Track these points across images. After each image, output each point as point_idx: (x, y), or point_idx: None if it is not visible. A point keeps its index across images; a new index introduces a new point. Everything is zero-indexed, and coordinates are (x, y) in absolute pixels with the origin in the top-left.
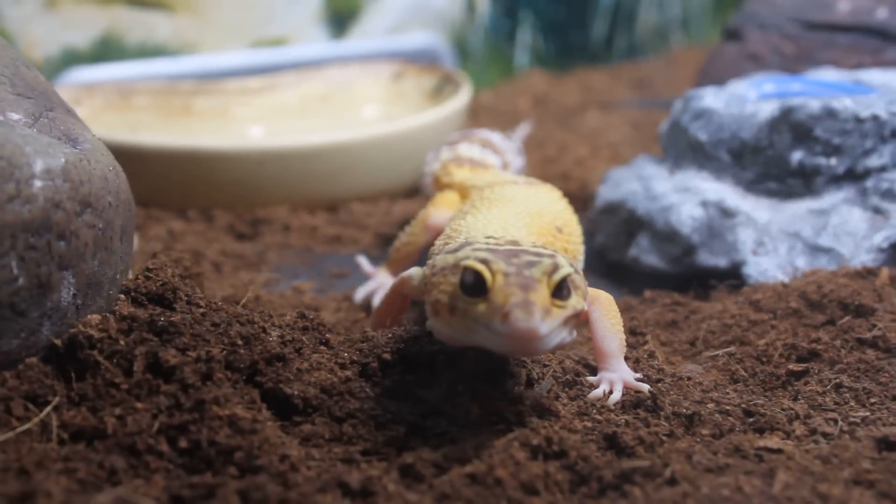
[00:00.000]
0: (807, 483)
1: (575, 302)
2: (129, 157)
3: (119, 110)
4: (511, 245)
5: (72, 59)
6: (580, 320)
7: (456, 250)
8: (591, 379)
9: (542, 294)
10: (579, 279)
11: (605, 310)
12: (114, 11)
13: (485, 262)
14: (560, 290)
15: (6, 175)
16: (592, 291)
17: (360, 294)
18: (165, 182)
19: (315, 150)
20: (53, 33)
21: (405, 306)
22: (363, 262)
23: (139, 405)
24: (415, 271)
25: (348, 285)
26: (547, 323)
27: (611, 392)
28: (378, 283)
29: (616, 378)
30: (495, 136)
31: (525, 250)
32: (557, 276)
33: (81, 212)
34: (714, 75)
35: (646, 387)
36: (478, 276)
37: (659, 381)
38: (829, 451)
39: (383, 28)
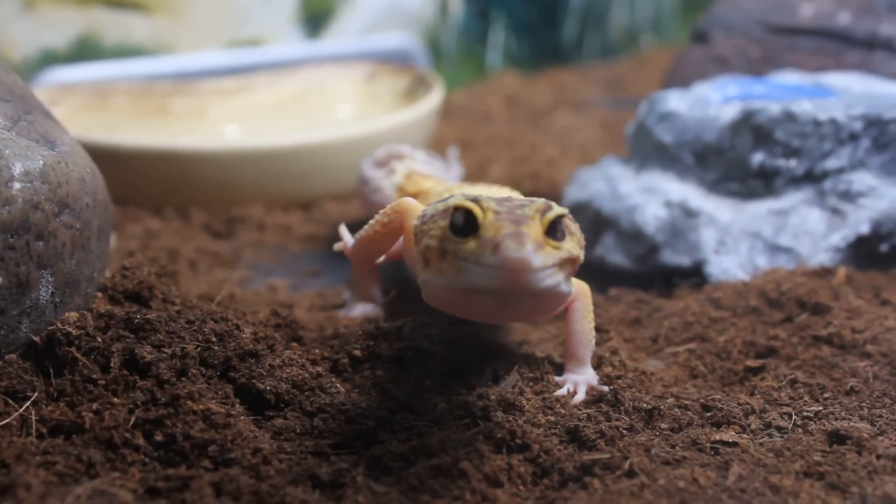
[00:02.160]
0: (759, 475)
1: (570, 247)
2: (106, 157)
3: (96, 110)
4: (504, 197)
5: (49, 59)
6: (574, 269)
7: (446, 199)
8: (556, 379)
9: (534, 228)
10: (575, 227)
11: (584, 309)
12: (91, 12)
13: (475, 200)
14: (554, 231)
15: None
16: (575, 282)
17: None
18: (142, 181)
19: (289, 151)
20: (31, 34)
21: (392, 243)
22: (345, 231)
23: (116, 400)
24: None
25: (322, 283)
26: (540, 256)
27: (574, 393)
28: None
29: (581, 380)
30: (419, 154)
31: (517, 198)
32: (551, 214)
33: (59, 213)
34: (681, 77)
35: (606, 388)
36: (468, 214)
37: (620, 377)
38: (783, 445)
39: (357, 28)
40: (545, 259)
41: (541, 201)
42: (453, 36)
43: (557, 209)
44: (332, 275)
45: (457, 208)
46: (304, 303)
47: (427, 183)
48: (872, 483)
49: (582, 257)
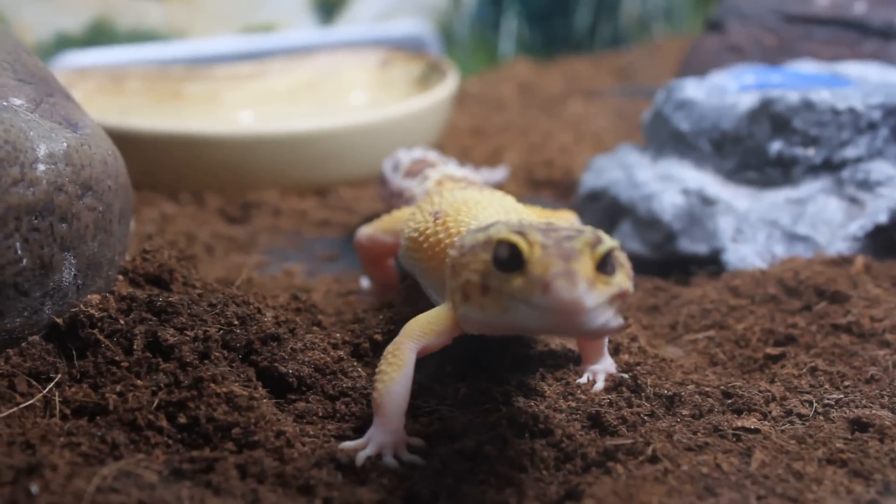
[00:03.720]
0: (782, 462)
1: (621, 280)
2: (122, 141)
3: (111, 94)
4: (547, 224)
5: (64, 43)
6: (624, 302)
7: (486, 228)
8: (575, 368)
9: (585, 264)
10: (623, 257)
11: None
12: None
13: (520, 232)
14: (605, 265)
15: (11, 159)
16: None
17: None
18: (157, 166)
19: (305, 136)
20: (45, 17)
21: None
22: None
23: (139, 382)
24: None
25: (338, 268)
26: (593, 295)
27: (594, 382)
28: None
29: (599, 369)
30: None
31: (562, 227)
32: (602, 249)
33: (83, 195)
34: (696, 66)
35: (626, 376)
36: (513, 248)
37: (639, 364)
38: (804, 432)
39: (370, 15)
40: (597, 298)
41: (589, 232)
42: (466, 23)
43: (608, 242)
44: (348, 260)
45: (500, 241)
46: (321, 287)
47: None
48: (895, 470)
49: (632, 289)
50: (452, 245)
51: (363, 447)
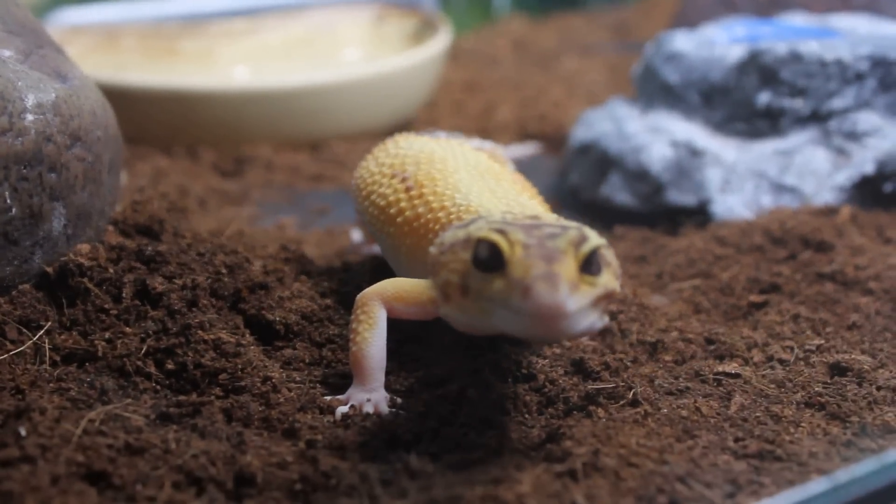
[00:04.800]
0: (761, 405)
1: (606, 280)
2: (116, 97)
3: (106, 51)
4: (530, 219)
5: (59, 0)
6: (610, 302)
7: (466, 224)
8: None
9: (568, 266)
10: (610, 254)
11: None
12: None
13: (501, 232)
14: (589, 265)
15: None
16: None
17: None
18: (151, 121)
19: (298, 91)
20: None
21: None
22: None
23: (128, 329)
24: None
25: (330, 221)
26: (575, 298)
27: None
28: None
29: None
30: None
31: (547, 223)
32: (586, 248)
33: (71, 145)
34: (689, 20)
35: (609, 321)
36: (493, 248)
37: (623, 311)
38: (784, 376)
39: None
40: (580, 301)
41: (573, 230)
42: None
43: (593, 240)
44: (340, 213)
45: (480, 241)
46: (312, 240)
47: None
48: (872, 413)
49: (619, 288)
50: (437, 223)
51: (344, 403)
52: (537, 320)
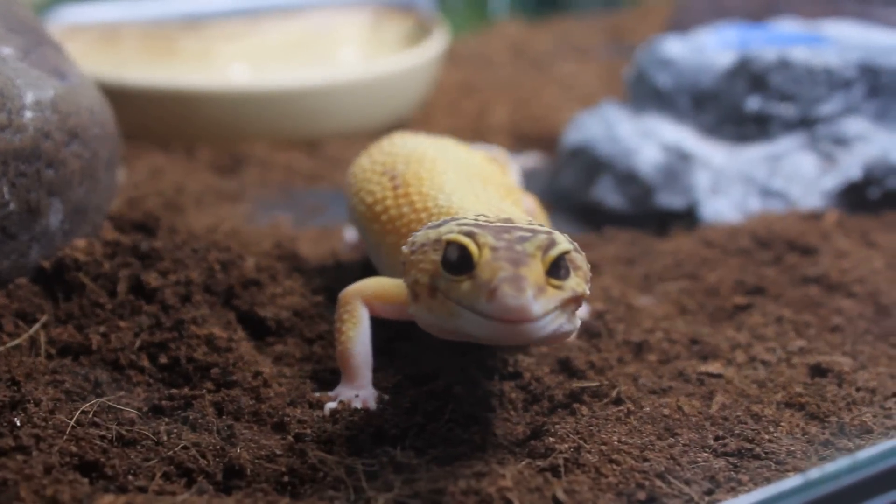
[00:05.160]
0: (742, 404)
1: (575, 284)
2: (115, 95)
3: (106, 50)
4: (503, 222)
5: None
6: (579, 305)
7: (438, 225)
8: None
9: (534, 269)
10: (580, 259)
11: None
12: None
13: (470, 234)
14: (557, 269)
15: None
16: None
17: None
18: (149, 119)
19: (295, 91)
20: None
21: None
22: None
23: (122, 324)
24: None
25: (324, 220)
26: (541, 302)
27: None
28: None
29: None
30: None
31: (519, 227)
32: (554, 252)
33: (69, 142)
34: (682, 24)
35: (591, 320)
36: (463, 250)
37: (610, 311)
38: (766, 377)
39: None
40: (546, 304)
41: (543, 234)
42: None
43: (562, 245)
44: (335, 212)
45: (450, 242)
46: (307, 237)
47: None
48: (850, 413)
49: (588, 291)
50: (418, 223)
51: (332, 399)
52: (502, 323)
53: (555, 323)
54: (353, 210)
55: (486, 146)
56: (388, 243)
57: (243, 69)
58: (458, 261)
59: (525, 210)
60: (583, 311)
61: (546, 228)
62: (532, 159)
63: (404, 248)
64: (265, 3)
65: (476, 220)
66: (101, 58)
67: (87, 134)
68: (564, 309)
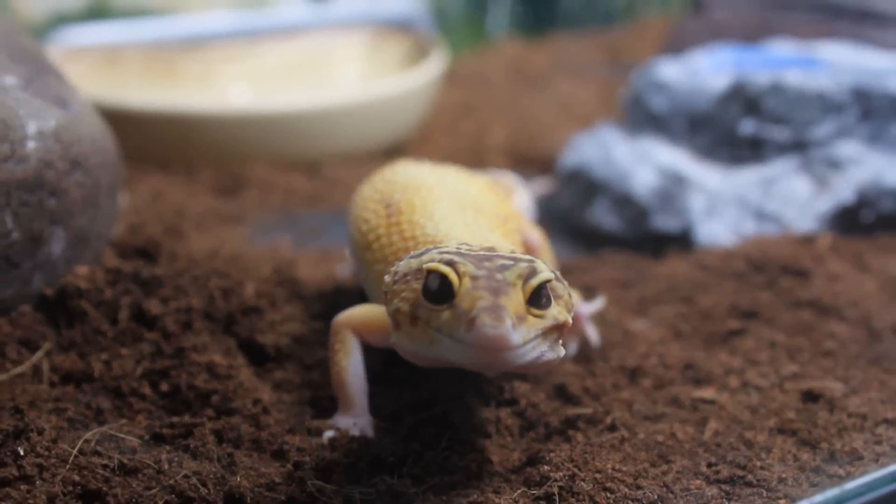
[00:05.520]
0: (735, 430)
1: (556, 312)
2: (116, 118)
3: (106, 71)
4: (486, 251)
5: (59, 20)
6: (563, 334)
7: (420, 254)
8: None
9: (514, 299)
10: (562, 288)
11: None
12: None
13: (451, 263)
14: (538, 298)
15: (1, 136)
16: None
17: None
18: (149, 142)
19: (295, 114)
20: None
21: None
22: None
23: (124, 351)
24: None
25: (325, 242)
26: (520, 332)
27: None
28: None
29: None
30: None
31: (500, 255)
32: (535, 281)
33: (71, 171)
34: (678, 46)
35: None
36: (443, 279)
37: (606, 336)
38: (759, 402)
39: None
40: (525, 334)
41: (524, 263)
42: (458, 2)
43: (542, 274)
44: (334, 234)
45: (431, 272)
46: (306, 261)
47: None
48: (842, 440)
49: (570, 320)
50: (405, 251)
51: (330, 428)
52: (482, 351)
53: (536, 351)
54: (350, 238)
55: (496, 172)
56: (377, 271)
57: (243, 90)
58: (439, 290)
59: (526, 242)
60: (593, 334)
61: (528, 257)
62: (544, 185)
63: (386, 278)
64: (265, 25)
65: (458, 248)
66: (102, 80)
67: (89, 162)
68: (546, 337)
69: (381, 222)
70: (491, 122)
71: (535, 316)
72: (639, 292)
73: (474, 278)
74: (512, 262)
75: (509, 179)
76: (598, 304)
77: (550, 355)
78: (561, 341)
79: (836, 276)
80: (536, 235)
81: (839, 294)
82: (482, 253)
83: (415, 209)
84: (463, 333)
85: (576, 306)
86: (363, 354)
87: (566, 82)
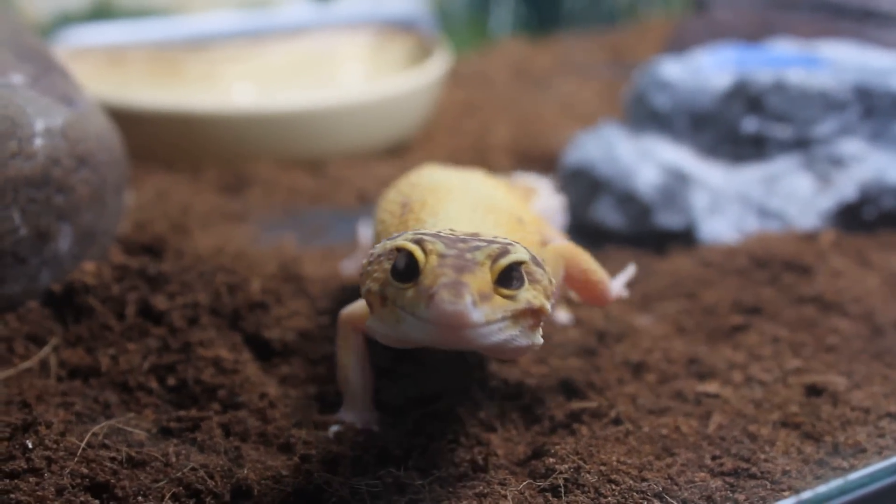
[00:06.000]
0: (739, 424)
1: (530, 296)
2: (123, 117)
3: (110, 71)
4: (468, 235)
5: (64, 20)
6: (539, 321)
7: (397, 236)
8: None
9: (479, 277)
10: (541, 273)
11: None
12: None
13: (419, 241)
14: (508, 278)
15: (9, 133)
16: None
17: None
18: (156, 140)
19: (299, 113)
20: None
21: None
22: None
23: (131, 346)
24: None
25: (329, 240)
26: (482, 310)
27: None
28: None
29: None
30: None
31: (479, 238)
32: (504, 261)
33: (78, 168)
34: (680, 45)
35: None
36: (410, 257)
37: (610, 331)
38: (762, 396)
39: None
40: (489, 313)
41: (498, 245)
42: (461, 2)
43: (515, 255)
44: (338, 232)
45: (399, 249)
46: (311, 258)
47: None
48: (845, 433)
49: (548, 307)
50: None
51: (335, 423)
52: (442, 328)
53: (504, 333)
54: (373, 241)
55: (527, 175)
56: None
57: (247, 90)
58: (406, 268)
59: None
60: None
61: (507, 240)
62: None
63: (363, 260)
64: (268, 25)
65: (438, 232)
66: (108, 79)
67: (96, 159)
68: (518, 321)
69: (394, 221)
70: (494, 121)
71: (505, 297)
72: (642, 288)
73: (441, 256)
74: (485, 244)
75: (535, 183)
76: (629, 271)
77: (523, 341)
78: (539, 329)
79: (838, 273)
80: (563, 241)
81: (842, 290)
82: (461, 236)
83: (425, 206)
84: (423, 310)
85: (602, 283)
86: (369, 349)
87: (569, 82)
